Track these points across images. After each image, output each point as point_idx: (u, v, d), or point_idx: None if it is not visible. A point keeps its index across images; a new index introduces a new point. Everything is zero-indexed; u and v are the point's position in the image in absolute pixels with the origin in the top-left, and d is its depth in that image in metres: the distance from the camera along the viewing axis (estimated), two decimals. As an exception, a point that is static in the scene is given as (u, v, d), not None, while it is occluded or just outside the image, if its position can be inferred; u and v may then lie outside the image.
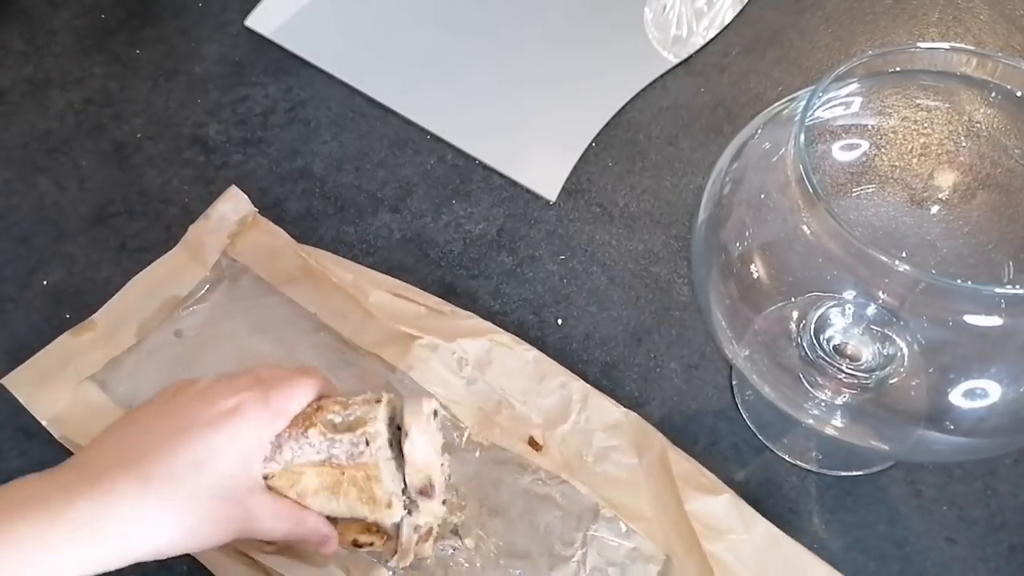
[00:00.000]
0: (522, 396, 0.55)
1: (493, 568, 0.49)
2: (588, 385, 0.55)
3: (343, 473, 0.45)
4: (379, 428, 0.45)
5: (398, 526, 0.46)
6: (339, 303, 0.58)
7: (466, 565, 0.49)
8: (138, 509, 0.39)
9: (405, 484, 0.46)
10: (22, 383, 0.55)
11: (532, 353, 0.56)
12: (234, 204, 0.62)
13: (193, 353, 0.57)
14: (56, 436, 0.53)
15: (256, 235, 0.61)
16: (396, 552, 0.47)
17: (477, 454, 0.53)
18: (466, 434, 0.53)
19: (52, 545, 0.37)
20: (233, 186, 0.62)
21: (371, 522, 0.46)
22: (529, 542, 0.50)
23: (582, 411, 0.54)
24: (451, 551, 0.50)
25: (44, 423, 0.53)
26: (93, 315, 0.58)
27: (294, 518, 0.44)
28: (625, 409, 0.54)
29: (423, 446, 0.45)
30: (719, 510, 0.50)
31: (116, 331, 0.57)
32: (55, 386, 0.55)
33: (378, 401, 0.46)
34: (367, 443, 0.44)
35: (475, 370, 0.55)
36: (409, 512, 0.46)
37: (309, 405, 0.46)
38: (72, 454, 0.49)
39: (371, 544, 0.47)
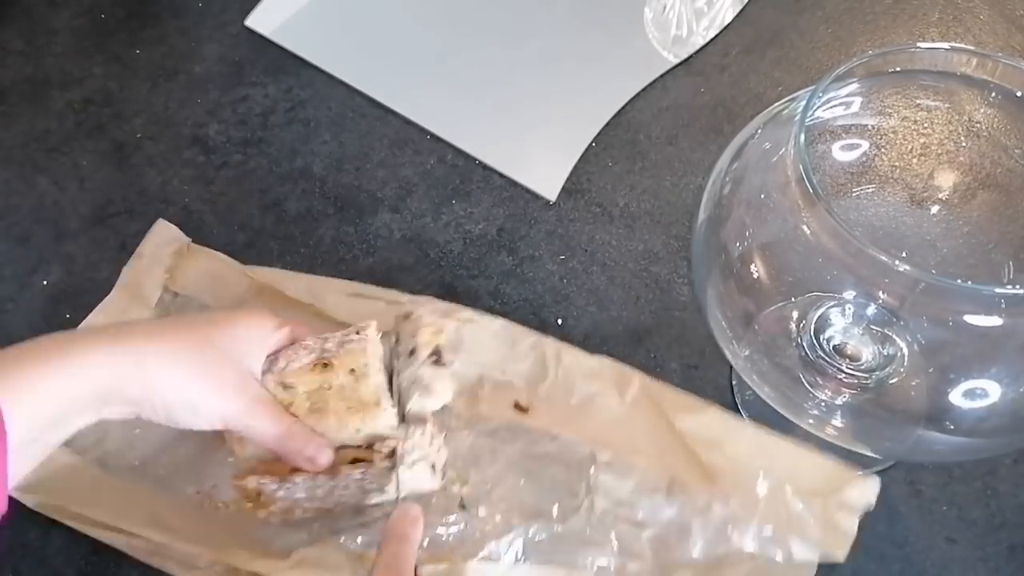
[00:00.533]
0: (499, 365, 0.55)
1: (507, 532, 0.50)
2: (559, 341, 0.56)
3: (330, 388, 0.46)
4: (369, 322, 0.49)
5: (394, 452, 0.47)
6: (297, 315, 0.57)
7: (479, 535, 0.50)
8: (156, 336, 0.44)
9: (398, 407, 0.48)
10: None
11: (498, 322, 0.56)
12: (165, 237, 0.60)
13: None
14: (30, 505, 0.51)
15: (196, 263, 0.60)
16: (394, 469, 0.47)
17: (467, 431, 0.53)
18: (454, 416, 0.53)
19: (74, 355, 0.41)
20: (161, 220, 0.61)
21: (364, 445, 0.48)
22: (537, 500, 0.51)
23: (558, 366, 0.55)
24: (463, 524, 0.50)
25: (15, 495, 0.50)
26: None
27: (286, 421, 0.46)
28: (599, 356, 0.55)
29: (440, 375, 0.49)
30: (709, 422, 0.51)
31: None
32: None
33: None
34: (357, 333, 0.48)
35: (448, 352, 0.56)
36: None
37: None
38: (45, 517, 0.51)
39: (370, 461, 0.47)
